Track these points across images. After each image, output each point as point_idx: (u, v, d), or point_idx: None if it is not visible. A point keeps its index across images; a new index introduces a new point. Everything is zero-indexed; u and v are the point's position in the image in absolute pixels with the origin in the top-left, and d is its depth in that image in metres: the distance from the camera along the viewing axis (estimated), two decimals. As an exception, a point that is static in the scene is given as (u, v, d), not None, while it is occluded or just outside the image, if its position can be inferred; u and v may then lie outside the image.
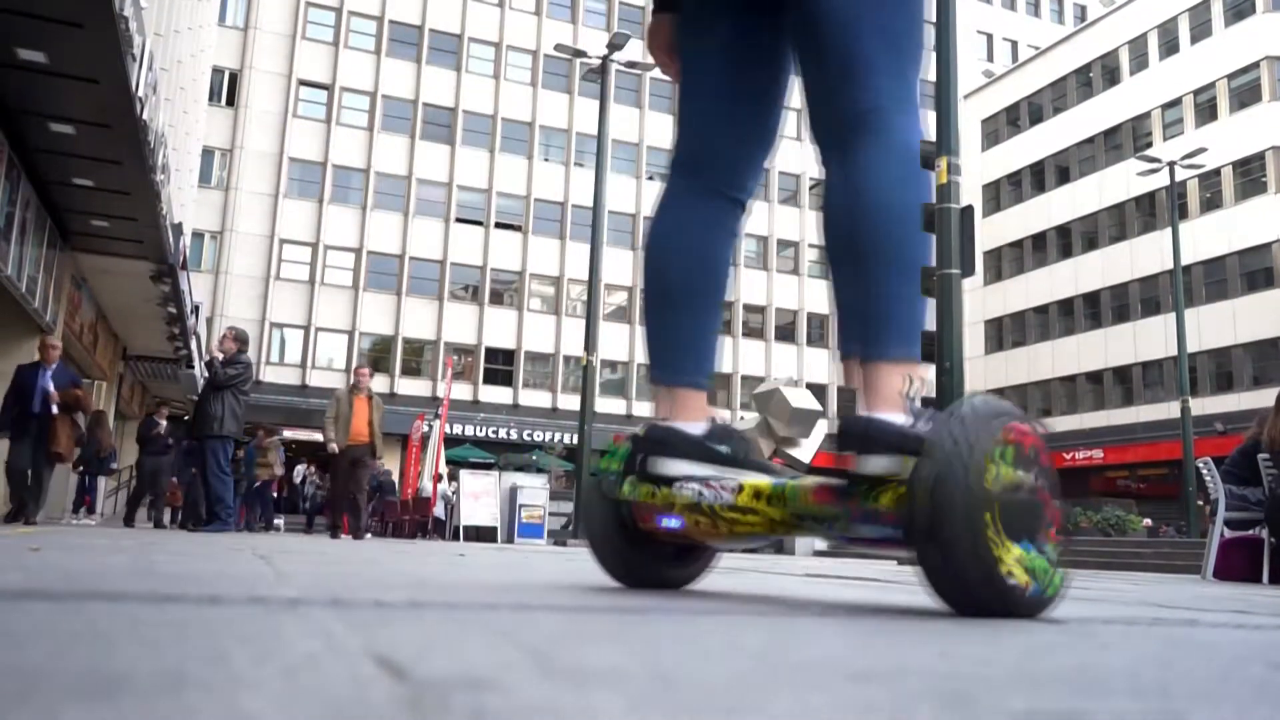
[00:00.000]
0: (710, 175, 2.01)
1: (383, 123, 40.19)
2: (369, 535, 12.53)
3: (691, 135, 2.04)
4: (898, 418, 1.62)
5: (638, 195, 42.56)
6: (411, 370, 38.90)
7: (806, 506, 1.71)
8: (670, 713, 0.59)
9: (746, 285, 43.97)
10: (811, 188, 45.42)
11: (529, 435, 38.70)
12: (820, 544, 14.94)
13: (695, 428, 1.88)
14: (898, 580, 3.56)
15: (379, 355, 37.76)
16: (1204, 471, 7.56)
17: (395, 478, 25.55)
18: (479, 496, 20.23)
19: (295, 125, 39.07)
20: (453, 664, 0.76)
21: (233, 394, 9.36)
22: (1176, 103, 41.39)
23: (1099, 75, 45.03)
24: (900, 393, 1.66)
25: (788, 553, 14.25)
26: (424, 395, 36.45)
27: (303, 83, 39.55)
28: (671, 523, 1.82)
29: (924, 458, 1.50)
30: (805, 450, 16.79)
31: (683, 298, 1.96)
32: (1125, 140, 42.86)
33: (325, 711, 0.55)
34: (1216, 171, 38.15)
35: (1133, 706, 0.72)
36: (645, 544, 1.92)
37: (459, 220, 40.48)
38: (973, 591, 1.49)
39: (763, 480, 1.79)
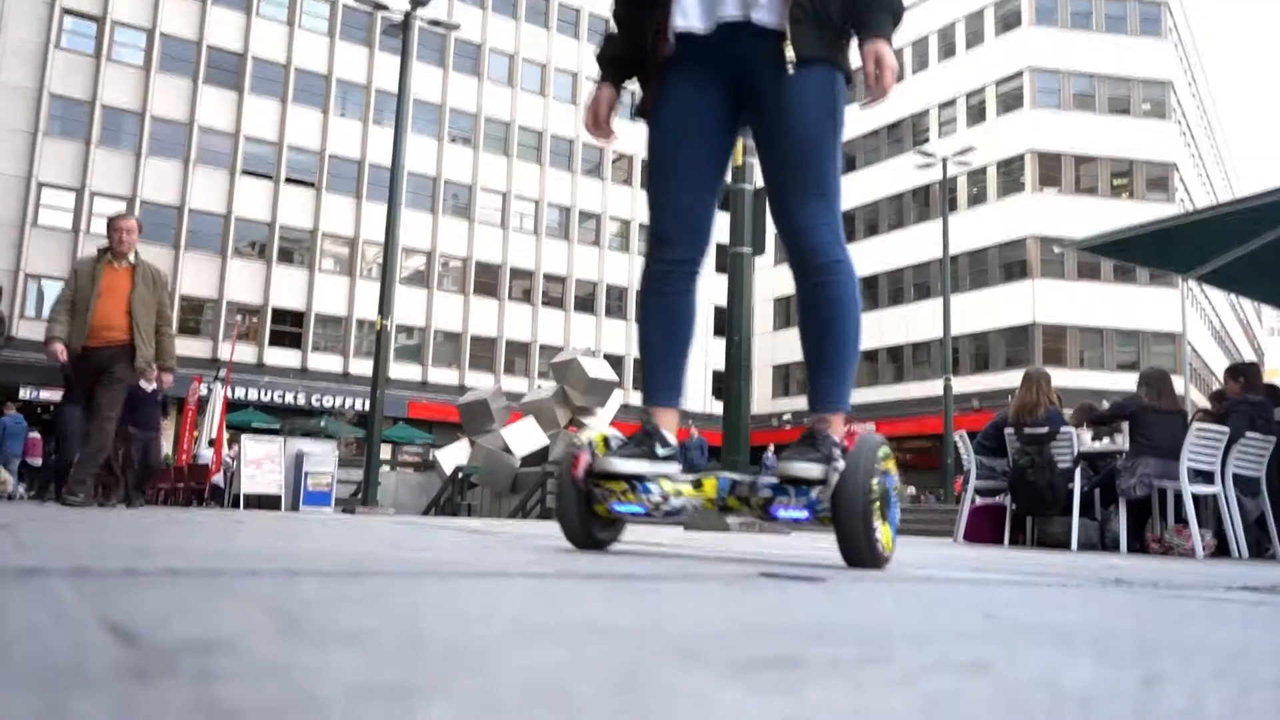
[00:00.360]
0: (683, 249, 2.58)
1: (161, 63, 37.19)
2: (112, 504, 8.79)
3: (668, 215, 2.58)
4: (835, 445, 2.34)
5: (439, 157, 41.53)
6: (190, 329, 36.49)
7: (745, 496, 2.38)
8: (406, 670, 0.59)
9: (548, 255, 43.92)
10: (615, 161, 45.81)
11: (318, 400, 37.20)
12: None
13: (670, 436, 2.51)
14: (684, 545, 3.69)
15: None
16: (959, 444, 8.24)
17: (169, 444, 23.94)
18: (261, 463, 19.27)
19: (59, 58, 35.55)
20: (192, 630, 0.73)
21: None
22: (951, 103, 44.53)
23: (886, 71, 47.71)
24: (841, 431, 2.40)
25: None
26: (203, 356, 34.25)
27: (68, 12, 36.01)
28: (636, 509, 2.39)
29: (846, 474, 2.22)
30: (601, 420, 17.02)
31: (663, 350, 2.63)
32: (906, 135, 45.73)
33: (35, 684, 0.52)
34: (983, 170, 41.39)
35: (850, 651, 0.78)
36: (595, 517, 2.46)
37: (245, 173, 38.16)
38: (862, 551, 2.20)
39: (711, 478, 2.46)
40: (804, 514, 2.30)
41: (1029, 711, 0.55)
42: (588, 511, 2.45)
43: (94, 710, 0.44)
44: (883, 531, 2.27)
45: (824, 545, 4.32)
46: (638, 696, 0.55)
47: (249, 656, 0.61)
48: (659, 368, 2.62)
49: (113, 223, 7.28)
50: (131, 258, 7.18)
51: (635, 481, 2.40)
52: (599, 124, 2.69)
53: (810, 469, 2.27)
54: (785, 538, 6.01)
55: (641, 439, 2.49)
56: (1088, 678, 0.69)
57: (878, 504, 2.25)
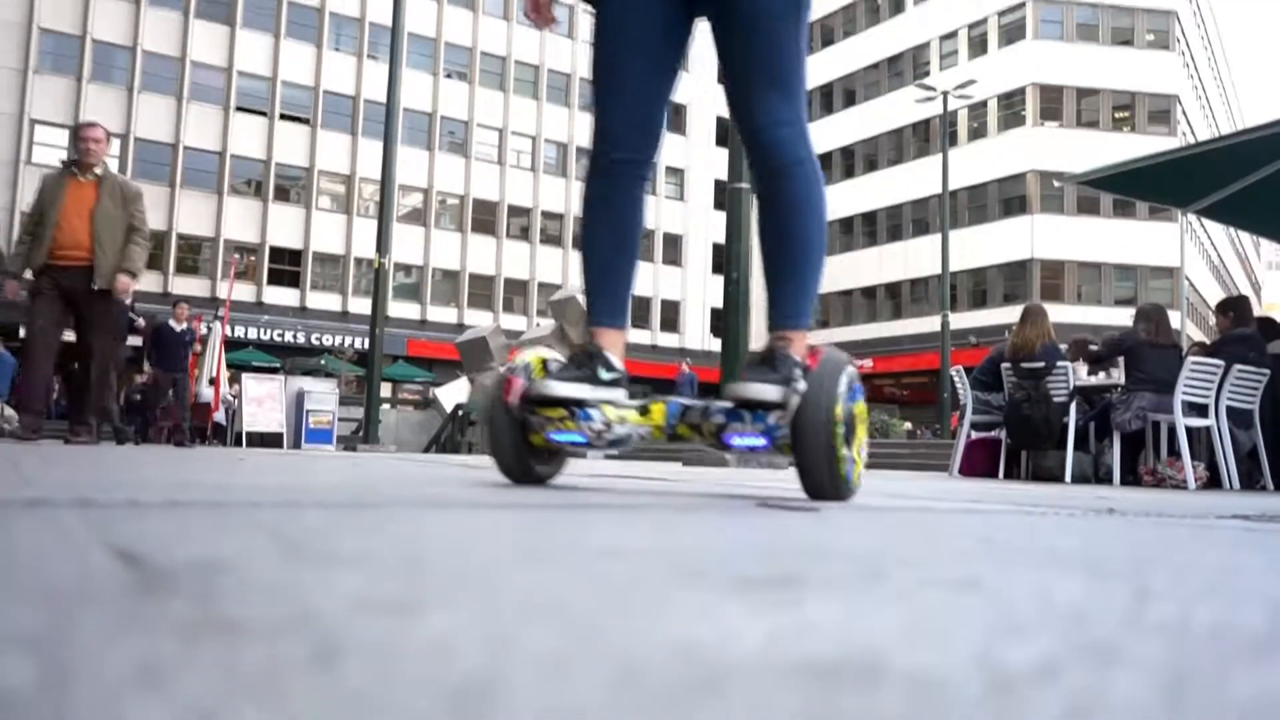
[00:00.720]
0: (633, 146, 2.35)
1: (150, -5, 36.50)
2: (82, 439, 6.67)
3: (617, 106, 2.34)
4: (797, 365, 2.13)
5: (434, 93, 40.95)
6: (188, 268, 36.35)
7: (697, 423, 2.17)
8: (406, 589, 0.60)
9: (545, 192, 43.54)
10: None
11: (317, 339, 37.20)
12: (613, 449, 15.32)
13: (614, 359, 2.28)
14: (683, 479, 3.72)
15: (151, 252, 34.94)
16: (956, 380, 8.27)
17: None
18: (262, 402, 19.37)
19: (46, -9, 34.88)
20: (196, 553, 0.74)
21: None
22: (953, 35, 43.77)
23: (886, 2, 46.86)
24: (803, 350, 2.18)
25: (578, 456, 14.55)
26: (202, 295, 34.16)
27: (53, -57, 35.23)
28: (576, 438, 2.19)
29: (808, 396, 2.03)
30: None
31: (609, 263, 2.38)
32: (906, 68, 45.05)
33: (42, 600, 0.52)
34: (984, 103, 40.86)
35: (847, 571, 0.80)
36: (532, 448, 2.26)
37: (239, 109, 37.64)
38: (824, 483, 2.05)
39: (659, 403, 2.25)
40: (761, 441, 2.11)
41: (1021, 622, 0.56)
42: (523, 442, 2.25)
43: (99, 623, 0.45)
44: (855, 460, 2.15)
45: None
46: (639, 610, 0.56)
47: (251, 576, 0.62)
48: (603, 284, 2.36)
49: (79, 131, 6.64)
50: (99, 170, 6.52)
51: (575, 407, 2.18)
52: (539, 8, 2.44)
53: (767, 391, 2.05)
54: (787, 471, 6.06)
55: (583, 361, 2.26)
56: (1079, 593, 0.70)
57: (842, 431, 2.07)
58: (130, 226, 6.56)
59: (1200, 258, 45.62)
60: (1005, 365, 7.57)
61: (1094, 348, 7.70)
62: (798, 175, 2.28)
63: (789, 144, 2.26)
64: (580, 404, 2.18)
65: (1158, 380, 6.69)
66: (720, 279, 9.17)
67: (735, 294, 8.75)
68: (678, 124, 45.32)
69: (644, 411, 2.23)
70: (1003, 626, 0.55)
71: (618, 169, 2.35)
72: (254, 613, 0.49)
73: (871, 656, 0.45)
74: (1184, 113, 40.91)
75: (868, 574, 0.79)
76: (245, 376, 20.23)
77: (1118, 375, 7.33)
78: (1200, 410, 6.66)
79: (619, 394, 2.25)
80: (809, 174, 2.29)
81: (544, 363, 2.28)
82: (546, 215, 43.75)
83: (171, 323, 12.12)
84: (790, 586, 0.69)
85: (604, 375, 2.23)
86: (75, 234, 6.32)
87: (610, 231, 2.37)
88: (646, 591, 0.64)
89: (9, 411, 12.56)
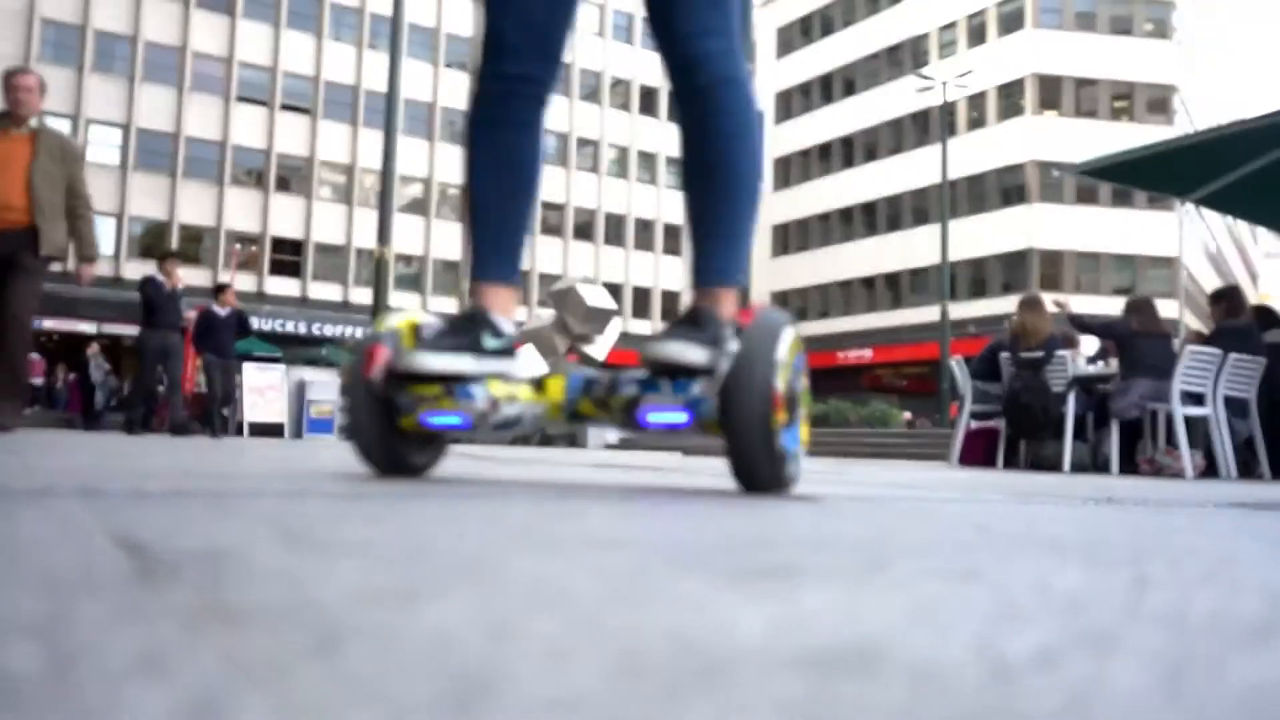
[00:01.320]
0: (528, 62, 1.97)
1: (150, -16, 36.38)
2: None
3: (511, 14, 1.98)
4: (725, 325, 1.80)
5: (435, 83, 40.85)
6: (189, 258, 36.32)
7: (603, 398, 1.84)
8: (407, 578, 0.60)
9: (545, 183, 43.10)
10: (613, 86, 45.09)
11: (319, 329, 37.18)
12: (612, 438, 15.35)
13: (504, 323, 1.88)
14: (682, 469, 3.73)
15: (152, 241, 34.88)
16: (955, 369, 8.28)
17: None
18: (264, 392, 19.36)
19: (44, -20, 34.76)
20: (197, 542, 0.74)
21: None
22: (952, 24, 43.66)
23: (886, -9, 46.76)
24: (733, 311, 1.86)
25: (580, 446, 14.57)
26: (203, 285, 34.13)
27: (52, -67, 35.12)
28: (453, 421, 1.83)
29: (740, 360, 1.71)
30: (600, 348, 17.03)
31: (497, 204, 1.97)
32: (906, 57, 44.95)
33: (45, 589, 0.53)
34: (982, 93, 40.78)
35: (846, 560, 0.80)
36: (402, 433, 1.90)
37: (241, 99, 37.56)
38: (761, 468, 1.74)
39: (558, 376, 1.90)
40: (682, 417, 1.76)
41: (1020, 612, 0.56)
42: (389, 426, 1.86)
43: (101, 611, 0.45)
44: (798, 441, 1.85)
45: (816, 467, 4.37)
46: (639, 600, 0.56)
47: (253, 565, 0.62)
48: (490, 229, 1.95)
49: (9, 79, 5.88)
50: (34, 123, 5.85)
51: (454, 384, 1.80)
52: None
53: (690, 352, 1.70)
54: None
55: (463, 326, 1.84)
56: (1078, 581, 0.70)
57: (784, 405, 1.74)
58: (71, 190, 5.92)
59: (1198, 247, 45.60)
60: (1004, 354, 7.58)
61: (1084, 318, 7.77)
62: (729, 96, 1.91)
63: (719, 58, 1.90)
64: (459, 379, 1.80)
65: (1153, 366, 6.73)
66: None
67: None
68: (650, 107, 45.13)
69: (539, 387, 1.86)
70: (1002, 615, 0.55)
71: (513, 89, 1.96)
72: (255, 602, 0.50)
73: (871, 645, 0.45)
74: (1183, 102, 40.84)
75: (867, 563, 0.79)
76: (247, 366, 20.21)
77: (1115, 365, 7.36)
78: (1197, 399, 6.68)
79: (507, 365, 1.85)
80: (742, 97, 1.92)
81: (416, 328, 1.87)
82: (547, 206, 43.68)
83: (216, 308, 11.69)
84: (789, 576, 0.69)
85: (489, 343, 1.82)
86: (7, 194, 5.62)
87: (500, 166, 1.96)
88: (645, 583, 0.65)
89: None
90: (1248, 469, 6.85)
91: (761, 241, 45.94)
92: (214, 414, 11.31)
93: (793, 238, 49.42)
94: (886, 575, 0.71)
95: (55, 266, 5.97)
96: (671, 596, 0.58)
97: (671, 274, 45.69)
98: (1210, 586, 0.71)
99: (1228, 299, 7.68)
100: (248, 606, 0.48)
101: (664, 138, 44.66)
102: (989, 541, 1.04)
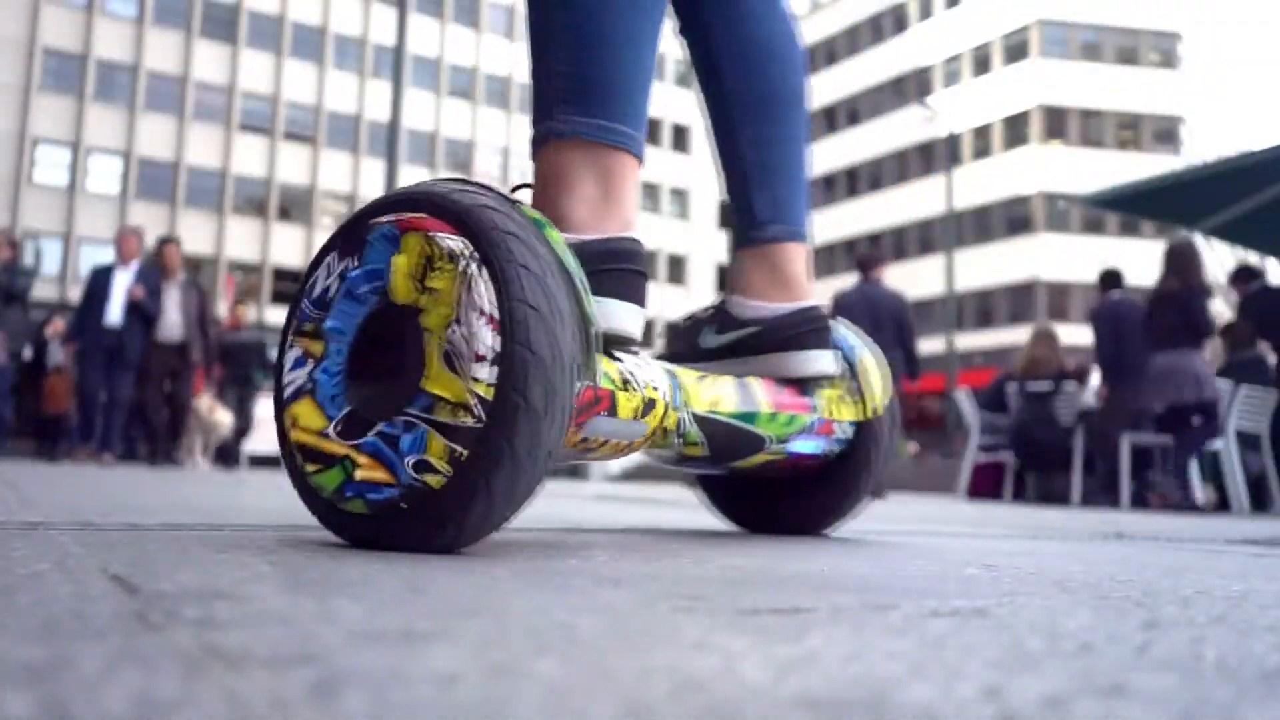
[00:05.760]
0: None
1: (155, 15, 36.78)
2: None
3: None
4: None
5: (437, 113, 41.16)
6: (190, 288, 36.44)
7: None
8: (407, 618, 0.60)
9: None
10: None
11: (321, 359, 37.20)
12: (614, 469, 15.27)
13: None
14: (682, 502, 3.72)
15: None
16: (962, 402, 8.26)
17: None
18: (267, 423, 19.39)
19: (49, 12, 35.15)
20: (196, 580, 0.74)
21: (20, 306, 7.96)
22: (957, 56, 44.02)
23: (889, 23, 47.14)
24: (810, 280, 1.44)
25: (581, 478, 14.52)
26: (204, 315, 34.21)
27: (60, -36, 35.59)
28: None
29: (871, 364, 1.39)
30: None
31: (639, 26, 1.27)
32: (910, 88, 45.28)
33: (40, 631, 0.52)
34: (988, 124, 41.03)
35: (852, 600, 0.79)
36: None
37: (242, 128, 37.87)
38: (849, 512, 1.62)
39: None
40: (825, 446, 1.41)
41: (1029, 655, 0.55)
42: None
43: (96, 655, 0.44)
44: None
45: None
46: (642, 639, 0.55)
47: (251, 605, 0.61)
48: (628, 69, 1.26)
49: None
50: None
51: None
52: None
53: (825, 361, 1.36)
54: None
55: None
56: (1087, 623, 0.69)
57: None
58: None
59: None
60: (1011, 386, 7.57)
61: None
62: (784, 16, 1.49)
63: None
64: None
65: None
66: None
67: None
68: (681, 143, 45.49)
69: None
70: (1010, 658, 0.54)
71: None
72: (254, 645, 0.49)
73: (877, 688, 0.44)
74: (1189, 133, 41.06)
75: (874, 604, 0.78)
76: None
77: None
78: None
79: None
80: (792, 21, 1.52)
81: None
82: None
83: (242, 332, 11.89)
84: (794, 615, 0.69)
85: None
86: None
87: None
88: (648, 622, 0.64)
89: None
90: (1259, 503, 6.81)
91: (765, 271, 46.05)
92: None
93: (796, 267, 49.49)
94: (893, 615, 0.71)
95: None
96: (675, 635, 0.57)
97: (676, 302, 45.77)
98: (1221, 629, 0.70)
99: (1235, 331, 7.67)
100: (248, 651, 0.47)
101: (668, 172, 44.81)
102: (997, 580, 1.03)
